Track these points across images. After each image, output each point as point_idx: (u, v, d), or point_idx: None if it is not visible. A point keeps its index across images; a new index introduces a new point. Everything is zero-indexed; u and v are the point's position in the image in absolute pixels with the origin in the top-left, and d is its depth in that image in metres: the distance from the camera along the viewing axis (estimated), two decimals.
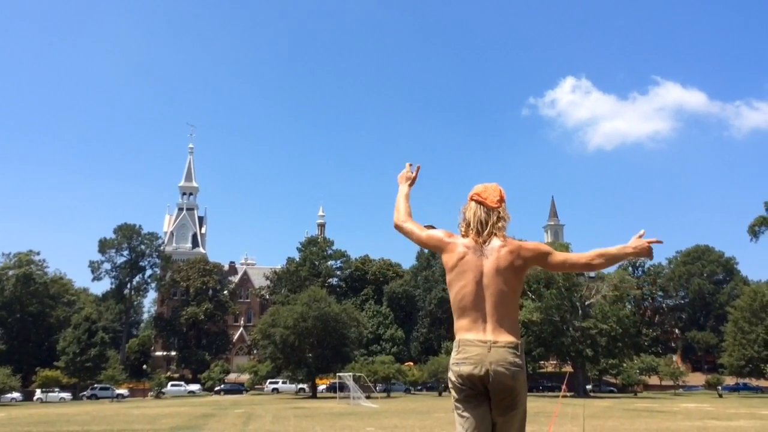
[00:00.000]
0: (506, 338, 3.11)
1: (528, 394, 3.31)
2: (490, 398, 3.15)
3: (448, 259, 3.30)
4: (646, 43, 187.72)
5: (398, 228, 3.63)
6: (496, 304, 3.15)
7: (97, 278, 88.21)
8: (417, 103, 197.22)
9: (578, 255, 3.35)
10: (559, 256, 3.33)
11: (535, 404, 32.14)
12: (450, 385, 3.25)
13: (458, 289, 3.22)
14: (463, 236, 3.38)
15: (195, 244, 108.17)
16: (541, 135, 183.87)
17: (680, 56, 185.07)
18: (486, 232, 3.28)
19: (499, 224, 3.32)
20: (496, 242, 3.26)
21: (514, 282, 3.21)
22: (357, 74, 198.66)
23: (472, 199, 3.44)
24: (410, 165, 3.89)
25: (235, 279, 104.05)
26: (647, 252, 3.28)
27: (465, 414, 3.14)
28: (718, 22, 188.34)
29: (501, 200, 3.41)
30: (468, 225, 3.37)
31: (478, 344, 3.10)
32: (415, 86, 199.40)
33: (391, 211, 3.68)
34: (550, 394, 62.39)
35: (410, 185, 3.81)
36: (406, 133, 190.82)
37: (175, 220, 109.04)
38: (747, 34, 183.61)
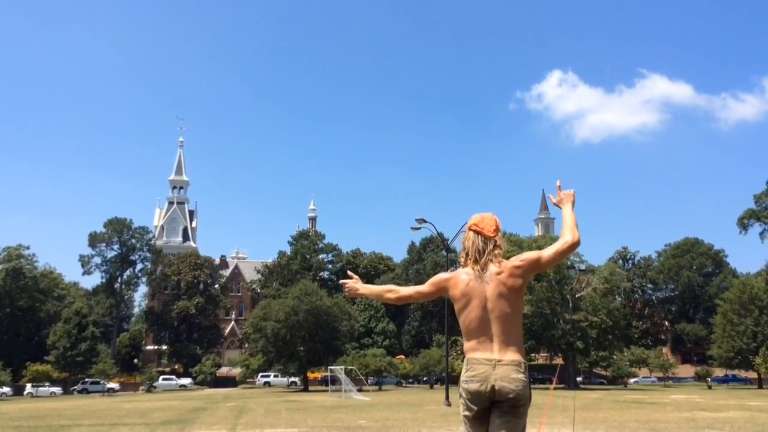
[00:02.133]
0: (511, 357, 3.33)
1: None
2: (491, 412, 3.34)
3: (454, 293, 3.48)
4: (632, 36, 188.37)
5: (402, 300, 3.86)
6: (501, 326, 3.36)
7: (87, 272, 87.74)
8: (405, 98, 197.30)
9: (559, 241, 3.51)
10: (548, 251, 3.48)
11: None
12: (460, 401, 3.45)
13: (466, 314, 3.43)
14: (462, 266, 3.55)
15: (186, 237, 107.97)
16: (528, 129, 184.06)
17: (666, 49, 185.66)
18: (483, 260, 3.47)
19: (495, 252, 3.50)
20: (492, 268, 3.44)
21: (516, 303, 3.41)
22: (346, 68, 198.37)
23: (470, 229, 3.62)
24: (343, 282, 3.96)
25: (227, 273, 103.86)
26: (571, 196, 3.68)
27: (471, 430, 3.40)
28: (704, 14, 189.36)
29: (497, 229, 3.59)
30: (467, 254, 3.53)
31: (484, 362, 3.32)
32: (404, 80, 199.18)
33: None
34: (540, 386, 62.67)
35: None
36: (395, 127, 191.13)
37: (165, 214, 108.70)
38: (733, 26, 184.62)
